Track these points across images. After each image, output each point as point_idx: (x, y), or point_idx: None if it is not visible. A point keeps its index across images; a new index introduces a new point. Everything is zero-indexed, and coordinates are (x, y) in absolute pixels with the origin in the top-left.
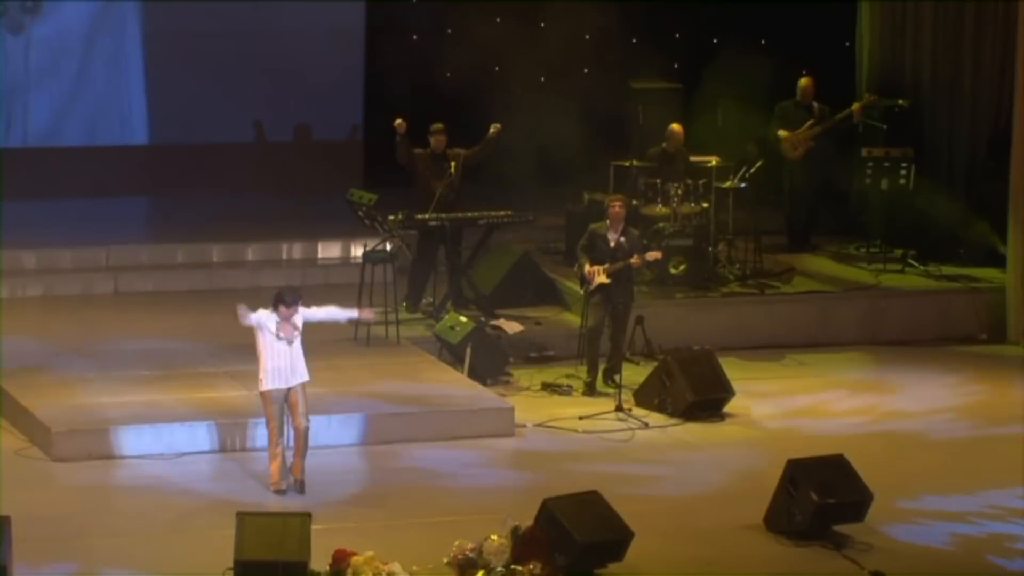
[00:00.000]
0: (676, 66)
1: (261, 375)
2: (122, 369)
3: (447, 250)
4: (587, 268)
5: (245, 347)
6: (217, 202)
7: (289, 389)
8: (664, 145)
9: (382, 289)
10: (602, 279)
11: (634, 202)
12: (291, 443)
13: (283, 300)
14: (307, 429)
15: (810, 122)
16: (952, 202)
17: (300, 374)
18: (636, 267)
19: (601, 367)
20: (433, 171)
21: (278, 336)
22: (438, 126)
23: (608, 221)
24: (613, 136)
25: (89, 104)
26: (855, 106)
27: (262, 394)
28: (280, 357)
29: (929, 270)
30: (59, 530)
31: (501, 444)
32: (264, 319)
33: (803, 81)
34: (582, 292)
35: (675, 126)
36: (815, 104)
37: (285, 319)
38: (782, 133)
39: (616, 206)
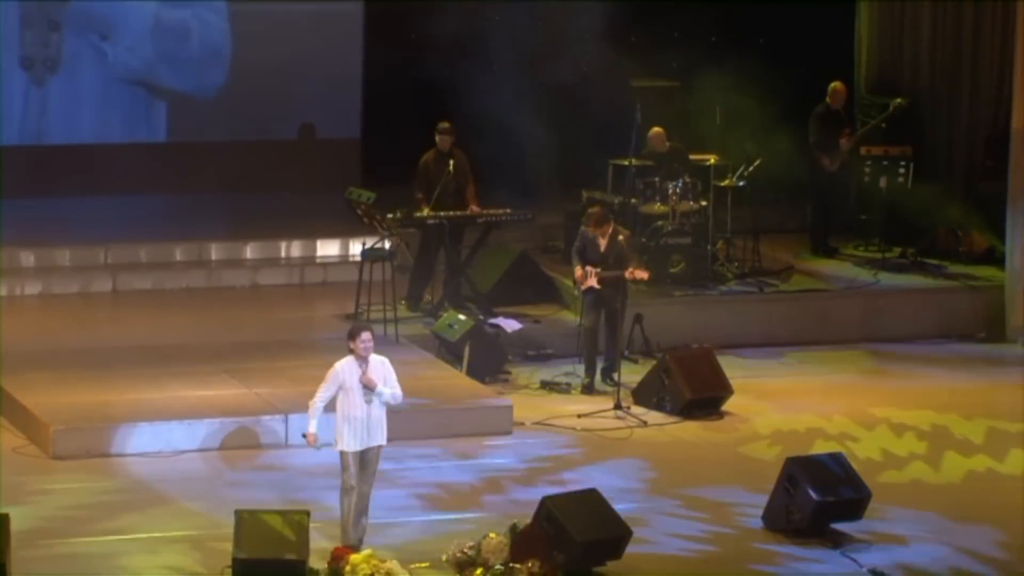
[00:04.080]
0: (675, 64)
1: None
2: (120, 367)
3: (446, 249)
4: (578, 272)
5: (243, 345)
6: (215, 200)
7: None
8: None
9: (380, 287)
10: (592, 282)
11: (632, 201)
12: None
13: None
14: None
15: (846, 131)
16: (951, 200)
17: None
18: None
19: (600, 366)
20: (438, 170)
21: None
22: (444, 125)
23: None
24: (612, 134)
25: (88, 102)
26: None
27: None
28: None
29: (928, 264)
30: (57, 528)
31: (499, 442)
32: (348, 375)
33: (835, 85)
34: (576, 293)
35: (654, 129)
36: (842, 110)
37: (361, 357)
38: (844, 143)
39: (587, 225)
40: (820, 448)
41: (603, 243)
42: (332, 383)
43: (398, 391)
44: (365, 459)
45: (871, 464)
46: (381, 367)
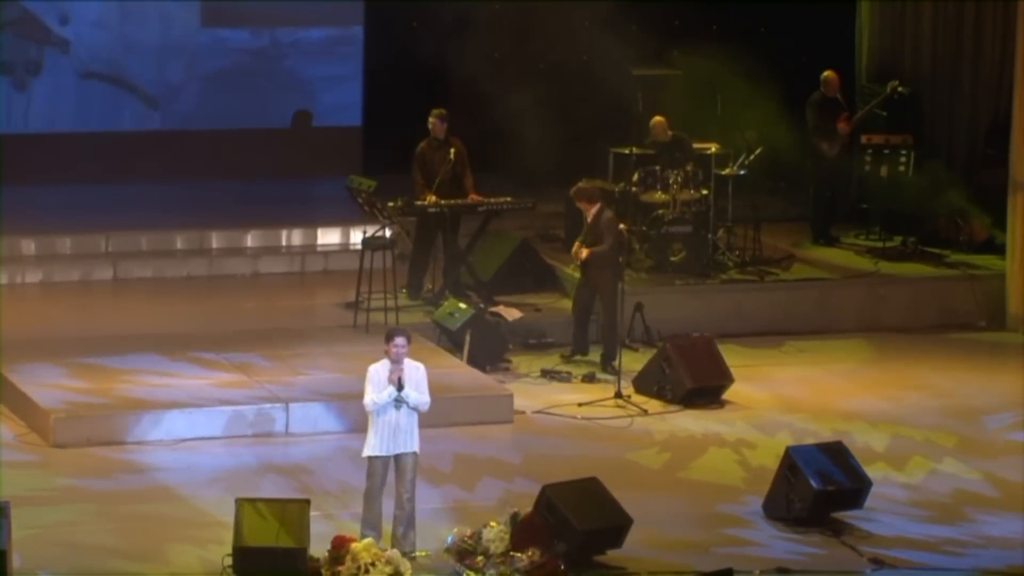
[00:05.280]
0: (676, 53)
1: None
2: (121, 355)
3: (444, 237)
4: (575, 246)
5: (244, 333)
6: (216, 188)
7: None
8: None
9: (381, 276)
10: (578, 260)
11: (633, 189)
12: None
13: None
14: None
15: (845, 114)
16: (951, 189)
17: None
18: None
19: (600, 353)
20: (435, 158)
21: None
22: (438, 111)
23: None
24: (613, 123)
25: (89, 91)
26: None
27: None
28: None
29: (928, 253)
30: (58, 516)
31: (500, 430)
32: (382, 376)
33: (827, 74)
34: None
35: (656, 119)
36: (839, 97)
37: (395, 360)
38: (842, 127)
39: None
40: (820, 437)
41: (588, 219)
42: (374, 382)
43: (426, 397)
44: (400, 467)
45: (871, 453)
46: (415, 372)
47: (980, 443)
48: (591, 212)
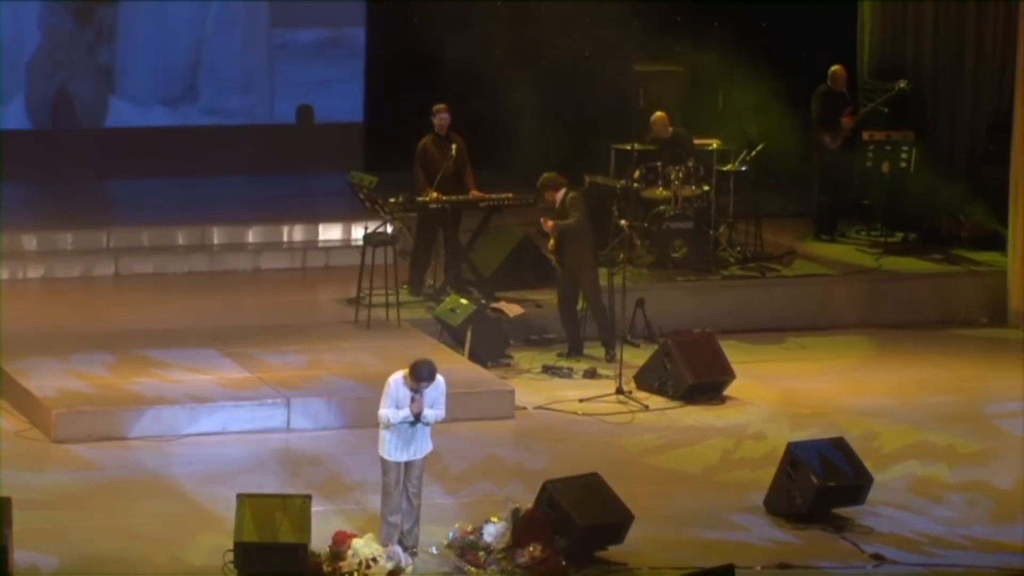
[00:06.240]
0: (678, 49)
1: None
2: (122, 351)
3: (445, 233)
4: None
5: (246, 329)
6: (218, 184)
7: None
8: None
9: (382, 271)
10: (548, 232)
11: (634, 185)
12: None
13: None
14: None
15: (849, 109)
16: (953, 185)
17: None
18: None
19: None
20: (437, 154)
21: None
22: (440, 106)
23: None
24: (614, 119)
25: (90, 86)
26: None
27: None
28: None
29: (930, 249)
30: (59, 512)
31: (501, 426)
32: (401, 391)
33: (835, 69)
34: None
35: (656, 115)
36: (845, 92)
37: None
38: (846, 121)
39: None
40: (822, 433)
41: (556, 206)
42: (391, 397)
43: (442, 412)
44: (410, 466)
45: (872, 448)
46: (434, 390)
47: (982, 439)
48: (558, 198)
